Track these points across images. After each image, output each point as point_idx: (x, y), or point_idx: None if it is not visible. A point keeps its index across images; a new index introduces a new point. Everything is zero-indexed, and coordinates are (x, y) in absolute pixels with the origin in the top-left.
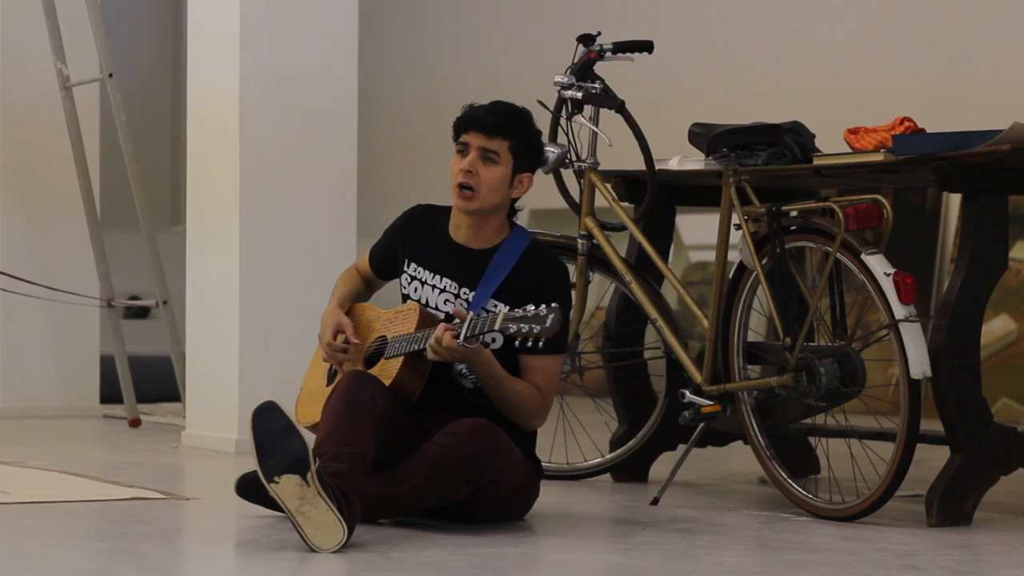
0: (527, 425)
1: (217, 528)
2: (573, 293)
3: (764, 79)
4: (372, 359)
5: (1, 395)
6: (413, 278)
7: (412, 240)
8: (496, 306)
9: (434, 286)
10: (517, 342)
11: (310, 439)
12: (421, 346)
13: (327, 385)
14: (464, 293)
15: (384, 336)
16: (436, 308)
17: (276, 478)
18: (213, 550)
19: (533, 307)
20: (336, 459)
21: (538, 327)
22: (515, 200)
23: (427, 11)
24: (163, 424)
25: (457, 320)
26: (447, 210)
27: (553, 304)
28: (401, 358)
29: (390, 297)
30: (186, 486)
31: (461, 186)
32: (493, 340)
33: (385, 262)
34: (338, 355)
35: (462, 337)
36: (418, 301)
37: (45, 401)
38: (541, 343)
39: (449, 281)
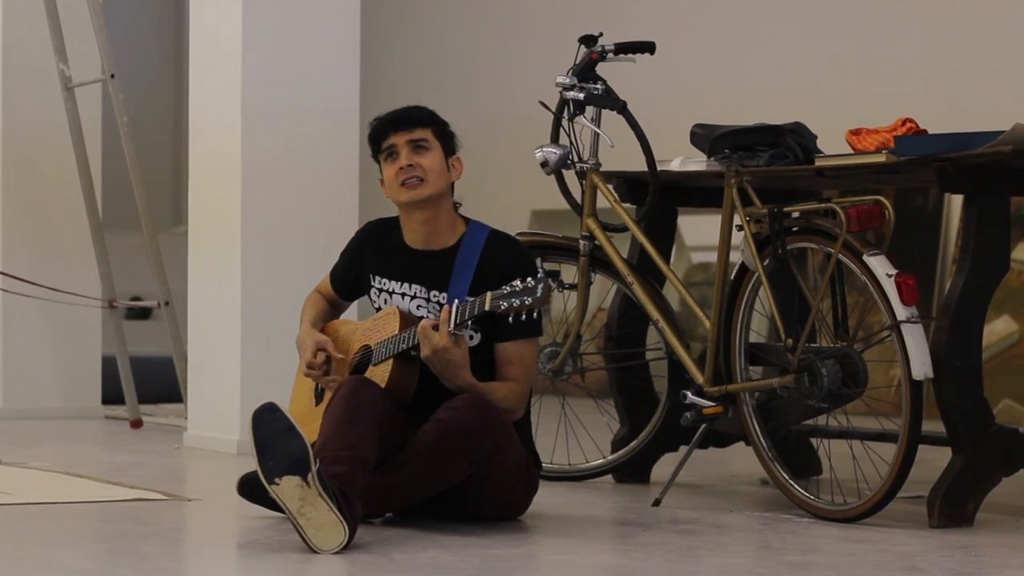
0: (508, 419)
1: (219, 529)
2: (574, 294)
3: (766, 80)
4: (358, 370)
5: (3, 396)
6: (381, 291)
7: (372, 255)
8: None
9: (403, 294)
10: (505, 321)
11: None
12: (409, 344)
13: (315, 405)
14: (435, 296)
15: (367, 345)
16: (410, 313)
17: (277, 479)
18: (215, 551)
19: (519, 282)
20: (336, 462)
21: (530, 299)
22: (453, 185)
23: (429, 13)
24: (165, 425)
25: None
26: (397, 220)
27: (540, 274)
28: (391, 360)
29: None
30: (188, 487)
31: (405, 182)
32: (471, 337)
33: (347, 282)
34: (320, 375)
35: (452, 324)
36: None
37: (47, 402)
38: (524, 316)
39: (418, 287)
